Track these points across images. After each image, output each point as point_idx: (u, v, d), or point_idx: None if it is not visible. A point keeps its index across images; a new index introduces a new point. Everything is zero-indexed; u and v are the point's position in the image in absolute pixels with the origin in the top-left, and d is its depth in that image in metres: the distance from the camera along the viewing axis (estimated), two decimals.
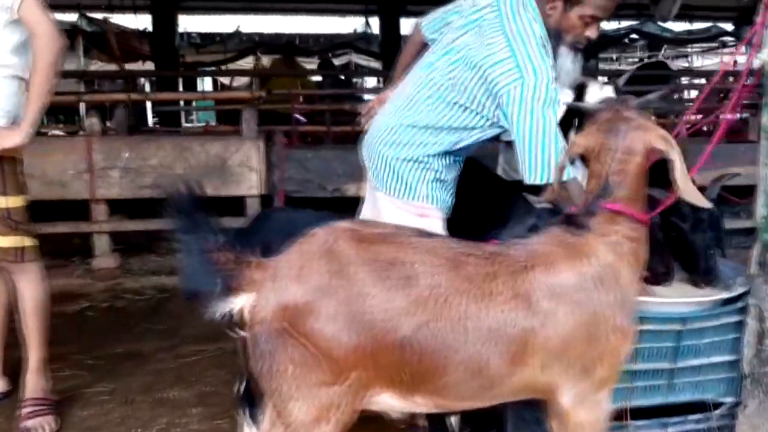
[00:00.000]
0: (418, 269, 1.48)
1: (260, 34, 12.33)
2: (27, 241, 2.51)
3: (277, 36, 12.06)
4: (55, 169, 4.49)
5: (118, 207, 4.84)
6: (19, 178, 2.51)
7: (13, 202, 2.47)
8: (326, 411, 1.47)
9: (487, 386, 1.54)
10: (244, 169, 4.66)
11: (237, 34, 11.85)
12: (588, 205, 1.66)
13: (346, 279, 1.45)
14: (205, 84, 13.89)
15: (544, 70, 2.08)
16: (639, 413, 2.12)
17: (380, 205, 2.47)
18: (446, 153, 2.29)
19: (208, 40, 12.26)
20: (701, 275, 2.17)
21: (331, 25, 13.21)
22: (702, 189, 1.85)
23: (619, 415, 2.08)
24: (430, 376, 1.49)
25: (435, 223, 2.35)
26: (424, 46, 2.51)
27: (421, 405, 1.59)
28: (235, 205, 4.61)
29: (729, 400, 2.16)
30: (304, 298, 1.44)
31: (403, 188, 2.35)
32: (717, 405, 2.17)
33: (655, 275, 2.13)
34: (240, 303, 1.48)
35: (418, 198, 2.34)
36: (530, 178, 2.14)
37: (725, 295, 2.07)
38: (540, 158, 2.10)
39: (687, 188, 1.63)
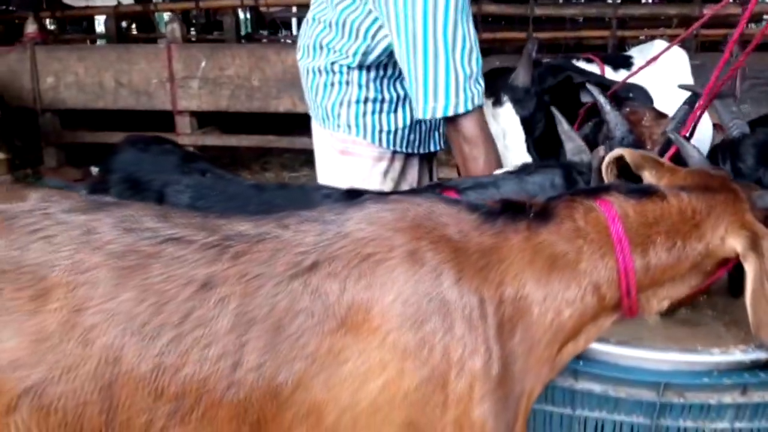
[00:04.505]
0: (52, 278, 0.83)
1: None
2: None
3: None
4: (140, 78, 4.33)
5: (207, 120, 4.58)
6: None
7: None
8: None
9: None
10: None
11: None
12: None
13: None
14: None
15: None
16: None
17: (314, 138, 1.86)
18: (361, 67, 1.64)
19: None
20: None
21: None
22: None
23: None
24: None
25: (363, 163, 1.70)
26: None
27: None
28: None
29: None
30: None
31: (322, 113, 1.75)
32: None
33: None
34: None
35: (338, 126, 1.72)
36: (422, 110, 1.41)
37: (752, 354, 1.03)
38: (436, 74, 1.44)
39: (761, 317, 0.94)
